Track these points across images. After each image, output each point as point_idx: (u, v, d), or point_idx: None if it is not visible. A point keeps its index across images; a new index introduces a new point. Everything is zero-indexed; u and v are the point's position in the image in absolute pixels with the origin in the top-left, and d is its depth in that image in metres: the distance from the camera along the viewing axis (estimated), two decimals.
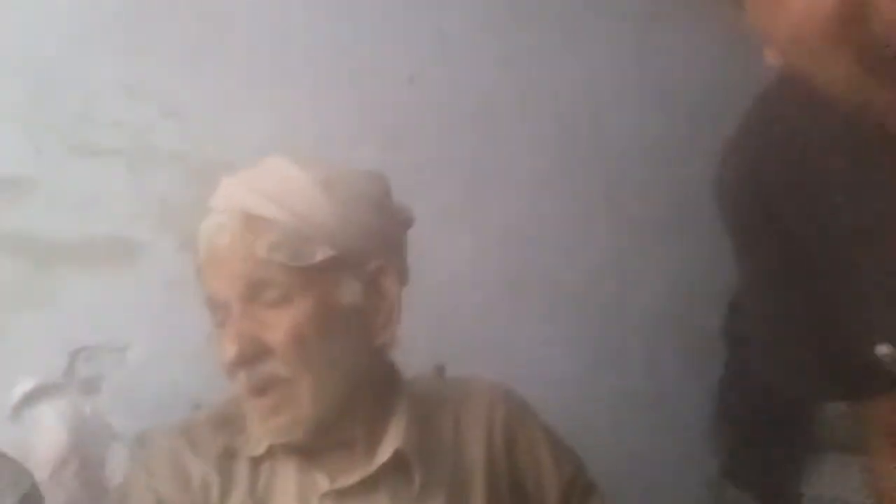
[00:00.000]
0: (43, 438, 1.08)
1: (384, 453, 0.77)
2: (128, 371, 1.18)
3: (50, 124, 1.16)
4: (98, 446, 1.08)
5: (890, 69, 0.33)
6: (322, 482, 0.76)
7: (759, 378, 1.88)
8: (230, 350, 0.72)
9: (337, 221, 0.75)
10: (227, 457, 0.78)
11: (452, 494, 0.79)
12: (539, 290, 1.61)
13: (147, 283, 1.21)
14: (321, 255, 0.73)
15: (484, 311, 1.53)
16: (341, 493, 0.76)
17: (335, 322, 0.75)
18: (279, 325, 0.72)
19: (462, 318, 1.48)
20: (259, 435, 0.77)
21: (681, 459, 1.78)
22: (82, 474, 1.08)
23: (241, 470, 0.78)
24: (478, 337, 1.49)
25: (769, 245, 0.62)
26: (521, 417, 0.86)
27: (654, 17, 1.70)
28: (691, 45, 1.73)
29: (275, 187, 0.74)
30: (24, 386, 1.09)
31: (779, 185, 0.58)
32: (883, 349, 0.57)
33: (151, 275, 1.22)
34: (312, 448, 0.78)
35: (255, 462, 0.78)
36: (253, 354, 0.72)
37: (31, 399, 1.10)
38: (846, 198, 0.54)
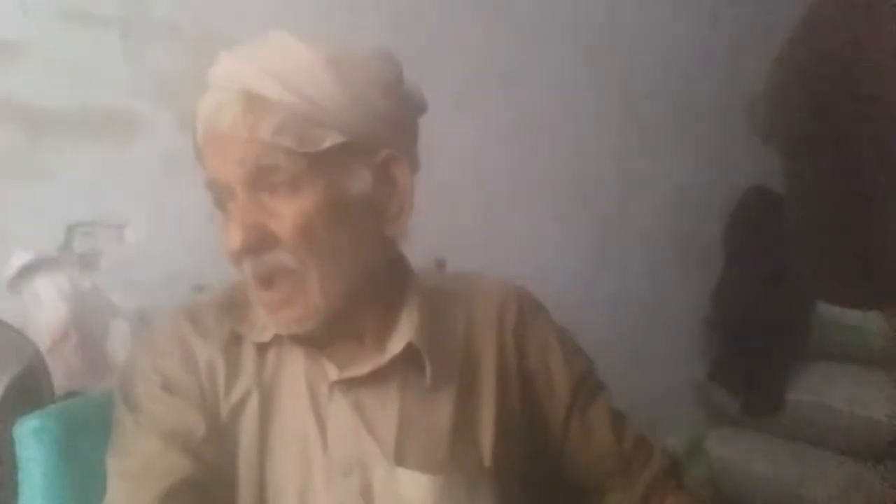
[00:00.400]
0: (42, 312, 1.07)
1: (396, 346, 0.75)
2: (126, 249, 1.17)
3: None
4: (98, 321, 1.08)
5: None
6: (331, 371, 0.74)
7: (754, 287, 1.89)
8: (235, 238, 0.68)
9: (347, 105, 0.69)
10: (233, 342, 0.75)
11: (462, 390, 0.77)
12: (544, 187, 1.59)
13: (146, 159, 1.18)
14: (330, 140, 0.68)
15: (487, 205, 1.51)
16: (351, 382, 0.74)
17: (344, 212, 0.70)
18: (286, 215, 0.68)
19: (465, 211, 1.46)
20: (271, 324, 0.74)
21: (673, 361, 1.81)
22: (82, 348, 1.08)
23: (248, 356, 0.75)
24: (480, 231, 1.48)
25: (821, 149, 0.61)
26: (533, 317, 0.84)
27: None
28: None
29: (280, 65, 0.68)
30: (21, 259, 1.08)
31: (832, 90, 0.57)
32: None
33: (150, 151, 1.18)
34: (322, 337, 0.76)
35: (262, 348, 0.76)
36: (259, 243, 0.69)
37: (28, 272, 1.09)
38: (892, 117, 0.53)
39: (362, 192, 0.72)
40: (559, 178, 1.60)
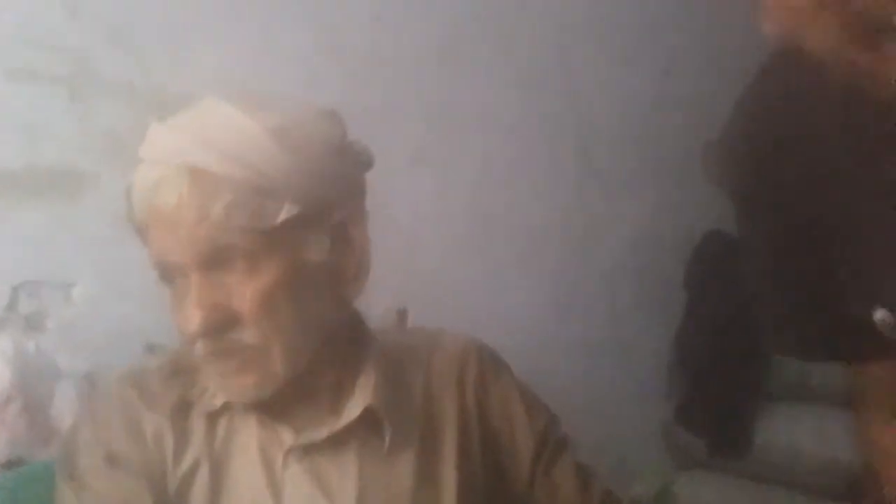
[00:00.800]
0: None
1: (354, 409, 0.73)
2: (74, 309, 1.13)
3: None
4: (43, 385, 1.04)
5: (869, 36, 0.37)
6: (287, 437, 0.72)
7: (716, 329, 1.91)
8: (194, 320, 0.65)
9: (297, 173, 0.67)
10: (182, 410, 0.73)
11: (423, 451, 0.76)
12: (504, 234, 1.59)
13: (93, 217, 1.15)
14: (285, 213, 0.66)
15: (448, 254, 1.50)
16: (307, 448, 0.72)
17: (305, 282, 0.69)
18: (246, 292, 0.66)
19: (426, 261, 1.45)
20: (223, 393, 0.72)
21: (639, 406, 1.80)
22: (27, 413, 1.04)
23: (197, 424, 0.73)
24: (441, 281, 1.47)
25: (771, 207, 0.62)
26: (494, 374, 0.83)
27: None
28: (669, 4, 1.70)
29: (222, 137, 0.65)
30: None
31: (781, 151, 0.58)
32: (880, 314, 0.57)
33: (98, 208, 1.15)
34: (277, 402, 0.73)
35: (212, 416, 0.73)
36: (219, 324, 0.66)
37: None
38: (844, 163, 0.54)
39: (321, 258, 0.70)
40: (519, 226, 1.60)
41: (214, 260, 0.66)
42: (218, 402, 0.73)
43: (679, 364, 1.89)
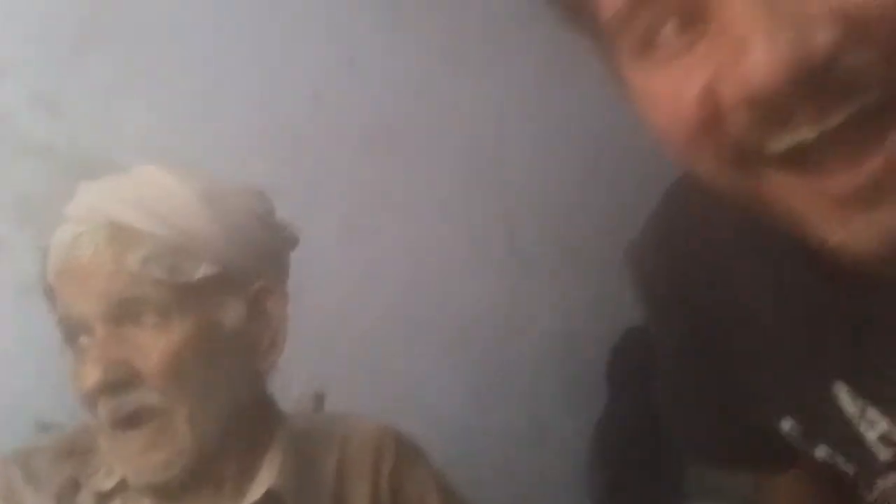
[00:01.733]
0: None
1: (255, 492, 0.71)
2: None
3: None
4: None
5: (747, 163, 0.37)
6: None
7: (634, 426, 1.92)
8: (92, 375, 0.64)
9: (220, 236, 0.68)
10: (69, 491, 0.70)
11: None
12: (427, 319, 1.58)
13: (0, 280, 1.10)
14: (203, 271, 0.67)
15: (370, 336, 1.49)
16: None
17: (216, 346, 0.68)
18: (153, 350, 0.65)
19: (347, 344, 1.42)
20: (127, 472, 0.68)
21: (560, 499, 1.78)
22: None
23: None
24: (361, 363, 1.44)
25: (679, 322, 0.63)
26: (411, 463, 0.81)
27: (557, 66, 1.73)
28: (595, 95, 1.77)
29: (149, 197, 0.67)
30: None
31: (688, 272, 0.60)
32: (787, 425, 0.58)
33: (2, 275, 1.10)
34: (178, 485, 0.70)
35: (103, 498, 0.70)
36: (120, 381, 0.64)
37: None
38: (746, 286, 0.56)
39: (235, 325, 0.70)
40: (444, 313, 1.60)
41: (124, 313, 0.65)
42: (109, 483, 0.70)
43: (597, 462, 1.88)
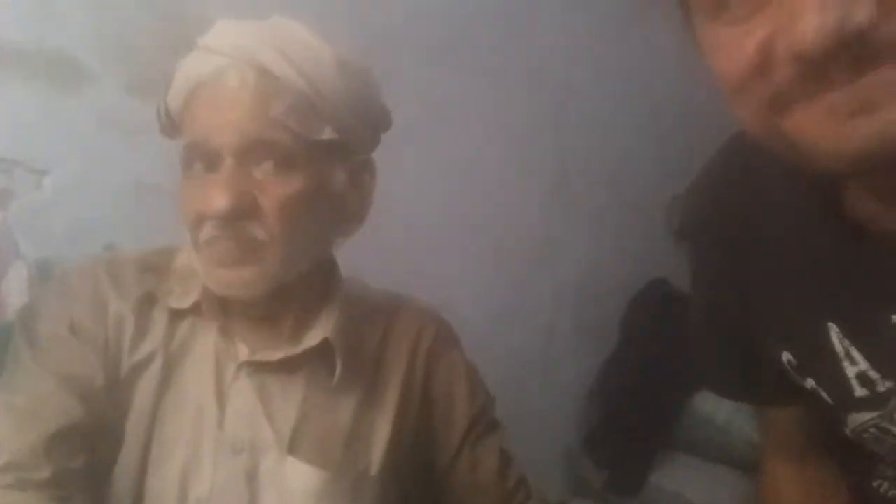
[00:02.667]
0: None
1: (312, 339, 0.76)
2: (42, 195, 1.13)
3: None
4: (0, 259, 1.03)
5: (780, 105, 0.45)
6: (242, 352, 0.75)
7: (638, 371, 1.98)
8: (221, 199, 0.67)
9: (346, 105, 0.72)
10: (147, 303, 0.75)
11: (365, 398, 0.79)
12: (466, 230, 1.63)
13: (83, 112, 1.15)
14: (328, 134, 0.71)
15: (413, 235, 1.54)
16: (259, 366, 0.75)
17: (321, 204, 0.72)
18: (274, 192, 0.69)
19: (390, 237, 1.47)
20: (189, 290, 0.74)
21: (553, 426, 1.86)
22: None
23: (160, 319, 0.75)
24: (400, 258, 1.50)
25: (715, 258, 0.71)
26: (447, 346, 0.86)
27: (628, 18, 1.72)
28: (660, 55, 1.77)
29: (293, 49, 0.69)
30: None
31: (731, 215, 0.68)
32: (786, 357, 0.65)
33: (90, 106, 1.15)
34: (240, 315, 0.76)
35: (176, 316, 0.75)
36: (242, 211, 0.68)
37: None
38: (774, 230, 0.65)
39: (338, 189, 0.75)
40: (485, 226, 1.64)
41: (256, 151, 0.68)
42: (185, 303, 0.75)
43: (598, 396, 1.96)
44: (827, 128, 0.43)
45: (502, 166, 1.66)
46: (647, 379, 1.88)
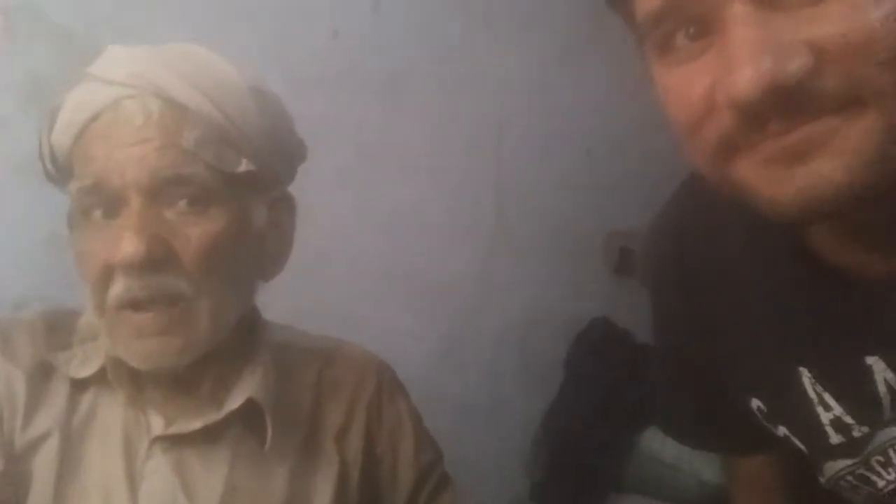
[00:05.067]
0: None
1: (235, 400, 0.68)
2: None
3: None
4: None
5: (725, 154, 0.46)
6: (156, 424, 0.67)
7: (584, 413, 1.96)
8: (131, 246, 0.59)
9: (262, 135, 0.66)
10: (44, 372, 0.67)
11: (301, 462, 0.72)
12: (406, 277, 1.59)
13: None
14: (244, 166, 0.64)
15: (347, 282, 1.49)
16: (175, 440, 0.67)
17: (242, 243, 0.66)
18: (192, 234, 0.62)
19: (324, 284, 1.43)
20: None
21: (501, 475, 1.81)
22: None
23: (58, 391, 0.67)
24: (334, 307, 1.45)
25: (678, 300, 0.69)
26: (390, 396, 0.80)
27: (579, 48, 1.74)
28: (601, 87, 1.79)
29: (200, 75, 0.63)
30: None
31: (692, 256, 0.66)
32: (755, 403, 0.62)
33: (2, 153, 1.08)
34: (151, 382, 0.68)
35: (77, 386, 0.67)
36: (156, 259, 0.60)
37: None
38: (738, 274, 0.63)
39: (258, 227, 0.68)
40: (422, 270, 1.61)
41: (167, 188, 0.62)
42: (87, 371, 0.67)
43: (543, 441, 1.92)
44: (765, 178, 0.44)
45: (439, 209, 1.63)
46: (592, 419, 1.85)
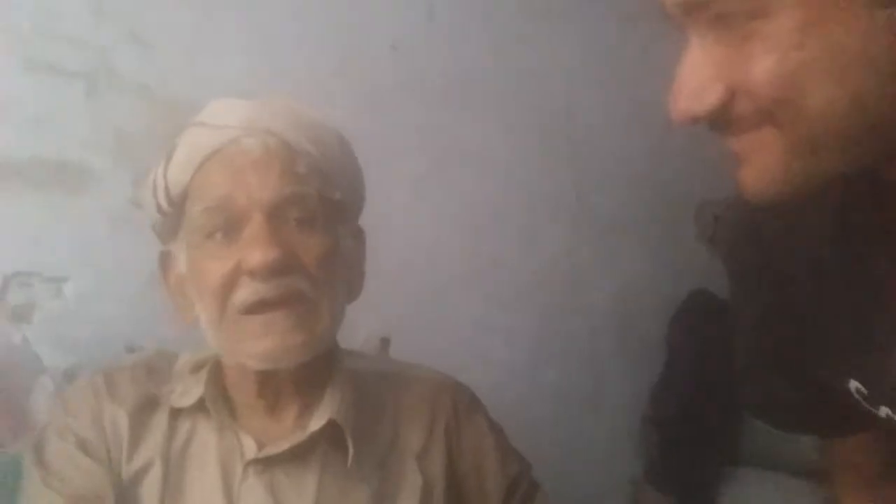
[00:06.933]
0: None
1: (318, 421, 0.73)
2: (63, 303, 1.13)
3: (3, 34, 1.09)
4: (24, 377, 1.03)
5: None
6: (249, 447, 0.73)
7: (691, 388, 1.92)
8: (265, 251, 0.66)
9: (347, 173, 0.76)
10: (146, 407, 0.74)
11: (384, 480, 0.76)
12: (492, 275, 1.60)
13: (93, 214, 1.16)
14: (339, 195, 0.74)
15: (434, 289, 1.51)
16: (268, 461, 0.72)
17: (339, 263, 0.74)
18: (309, 245, 0.70)
19: (414, 294, 1.46)
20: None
21: (611, 458, 1.81)
22: (4, 402, 1.03)
23: (158, 423, 0.73)
24: (427, 314, 1.48)
25: (762, 288, 0.67)
26: (468, 416, 0.82)
27: (637, 21, 1.69)
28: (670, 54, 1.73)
29: (299, 121, 0.73)
30: None
31: (773, 242, 0.64)
32: (853, 385, 0.60)
33: (99, 206, 1.16)
34: (246, 408, 0.74)
35: (175, 416, 0.74)
36: (286, 264, 0.68)
37: None
38: (829, 253, 0.60)
39: (346, 252, 0.76)
40: (509, 268, 1.61)
41: (285, 207, 0.70)
42: (188, 401, 0.74)
43: (652, 421, 1.89)
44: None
45: (519, 202, 1.63)
46: (700, 395, 1.81)
